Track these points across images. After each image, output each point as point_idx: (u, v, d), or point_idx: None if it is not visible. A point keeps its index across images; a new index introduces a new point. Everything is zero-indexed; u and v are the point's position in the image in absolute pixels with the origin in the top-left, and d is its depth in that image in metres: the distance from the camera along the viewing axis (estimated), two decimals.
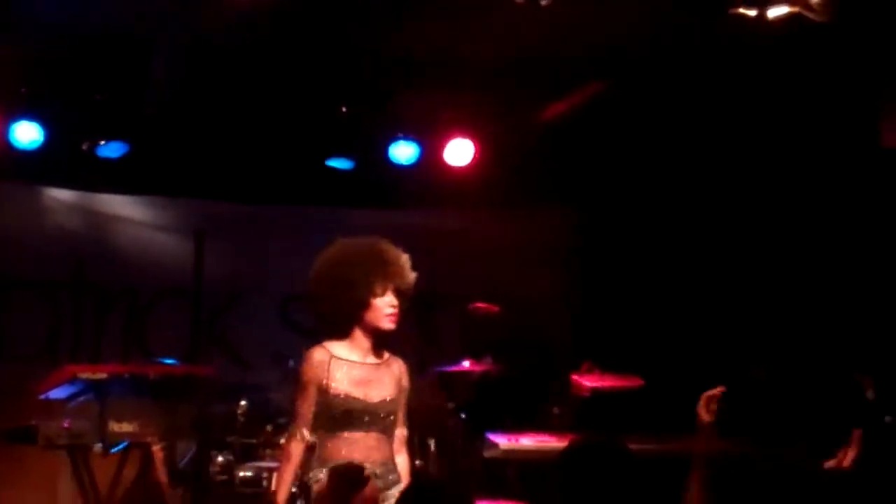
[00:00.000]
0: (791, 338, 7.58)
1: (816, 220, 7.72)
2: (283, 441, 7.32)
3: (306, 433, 5.25)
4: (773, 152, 7.84)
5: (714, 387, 4.59)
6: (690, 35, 6.96)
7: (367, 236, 5.43)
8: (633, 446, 4.30)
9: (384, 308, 5.28)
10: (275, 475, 6.88)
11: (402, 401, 5.41)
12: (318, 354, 5.30)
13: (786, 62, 7.11)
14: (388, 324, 5.29)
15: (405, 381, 5.43)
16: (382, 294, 5.28)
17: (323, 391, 5.23)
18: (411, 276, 5.34)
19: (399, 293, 5.30)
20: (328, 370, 5.27)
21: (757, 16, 6.15)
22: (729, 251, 8.21)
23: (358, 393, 5.25)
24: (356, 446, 5.26)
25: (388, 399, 5.33)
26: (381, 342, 5.35)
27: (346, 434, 5.26)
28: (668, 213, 8.56)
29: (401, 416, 5.41)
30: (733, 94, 7.60)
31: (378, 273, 5.28)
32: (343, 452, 5.25)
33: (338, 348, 5.30)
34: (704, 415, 4.51)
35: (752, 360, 7.42)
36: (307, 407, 5.26)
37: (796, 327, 7.64)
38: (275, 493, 5.31)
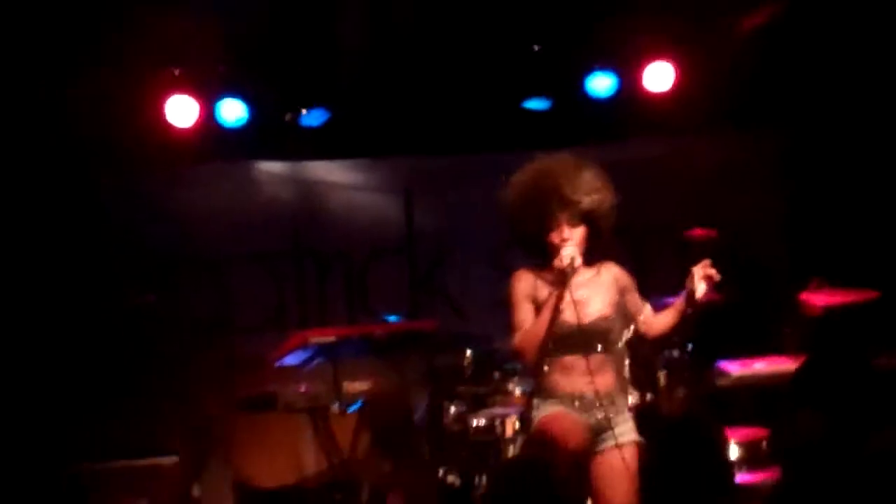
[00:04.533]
0: None
1: None
2: (511, 386, 7.42)
3: None
4: None
5: None
6: None
7: (547, 158, 5.31)
8: (877, 362, 4.10)
9: (555, 241, 5.18)
10: (507, 420, 7.02)
11: (630, 296, 5.33)
12: (523, 274, 5.28)
13: None
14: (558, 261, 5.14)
15: (623, 281, 5.33)
16: (554, 227, 5.18)
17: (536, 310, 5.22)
18: (585, 200, 5.18)
19: (576, 223, 5.18)
20: (536, 289, 5.24)
21: None
22: None
23: (568, 315, 5.19)
24: (575, 373, 5.22)
25: (604, 316, 5.27)
26: (586, 259, 5.21)
27: (565, 359, 5.23)
28: (885, 123, 8.16)
29: (635, 299, 5.33)
30: None
31: (544, 206, 5.17)
32: (562, 384, 5.22)
33: (542, 274, 5.25)
34: None
35: None
36: (526, 317, 5.22)
37: None
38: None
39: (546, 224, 5.19)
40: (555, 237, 5.19)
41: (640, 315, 5.39)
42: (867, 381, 4.93)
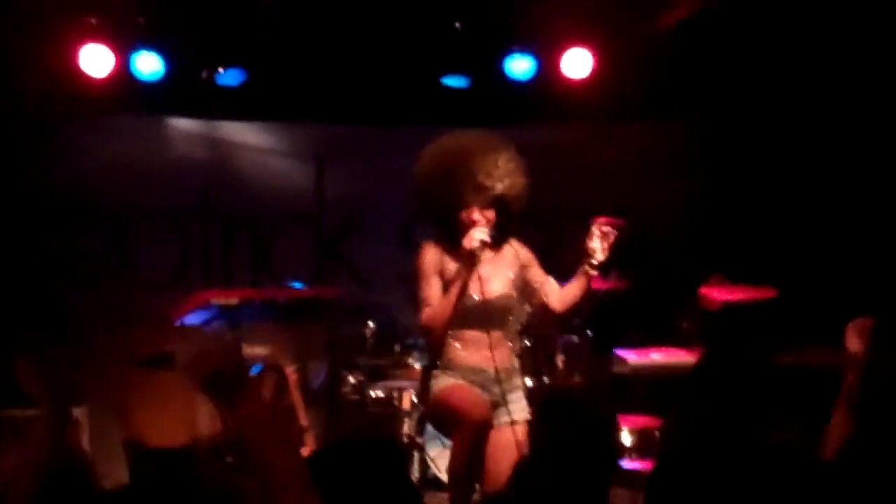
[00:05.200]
0: None
1: None
2: (411, 361, 7.45)
3: None
4: None
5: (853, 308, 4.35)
6: None
7: (464, 134, 5.33)
8: (769, 359, 4.20)
9: (465, 223, 5.21)
10: (404, 393, 7.05)
11: (531, 271, 5.37)
12: (431, 247, 5.29)
13: None
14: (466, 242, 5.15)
15: (524, 256, 5.37)
16: (464, 209, 5.21)
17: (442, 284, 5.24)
18: (497, 186, 5.20)
19: (486, 206, 5.20)
20: (443, 264, 5.26)
21: None
22: (859, 153, 7.96)
23: (472, 291, 5.20)
24: (475, 347, 5.25)
25: (506, 294, 5.29)
26: (493, 239, 5.24)
27: (466, 334, 5.26)
28: (795, 117, 8.30)
29: (537, 273, 5.37)
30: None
31: (456, 187, 5.18)
32: (461, 357, 5.26)
33: (451, 248, 5.26)
34: (854, 345, 3.95)
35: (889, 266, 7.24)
36: (433, 293, 5.23)
37: None
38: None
39: (457, 203, 5.21)
40: (465, 217, 5.22)
41: (544, 287, 5.41)
42: (763, 378, 5.03)
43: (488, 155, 5.24)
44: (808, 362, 6.17)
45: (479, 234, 5.14)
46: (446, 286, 5.24)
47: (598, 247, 5.26)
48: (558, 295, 5.41)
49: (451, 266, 5.25)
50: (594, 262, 5.29)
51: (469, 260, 5.14)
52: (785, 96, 8.29)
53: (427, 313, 5.25)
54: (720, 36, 8.23)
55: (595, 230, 5.28)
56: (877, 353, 3.81)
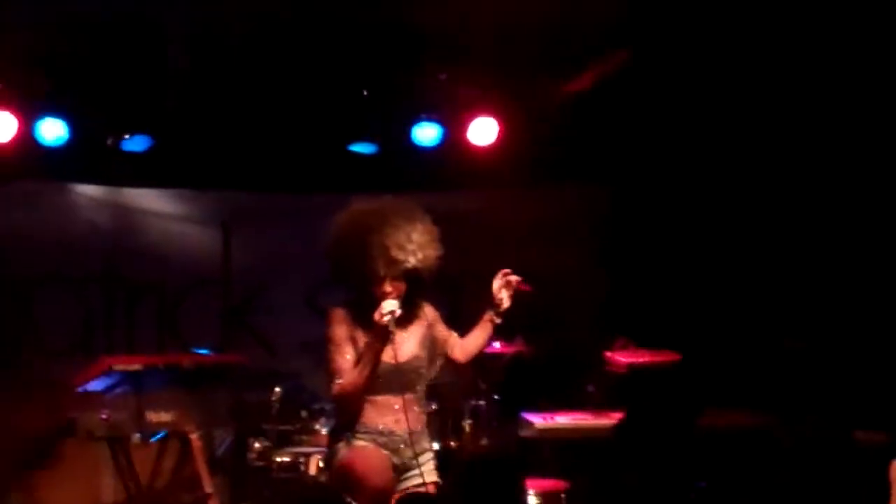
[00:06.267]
0: (827, 309, 7.53)
1: (856, 190, 7.61)
2: (318, 426, 7.41)
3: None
4: (807, 120, 7.74)
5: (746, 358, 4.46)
6: None
7: (379, 203, 5.32)
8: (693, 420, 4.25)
9: (377, 296, 5.17)
10: (311, 459, 7.00)
11: (436, 328, 5.42)
12: (341, 315, 5.25)
13: (818, 26, 7.04)
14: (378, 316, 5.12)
15: (430, 314, 5.41)
16: (376, 281, 5.18)
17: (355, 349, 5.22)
18: (410, 260, 5.18)
19: (398, 278, 5.19)
20: (355, 330, 5.24)
21: None
22: (760, 223, 8.15)
23: (384, 355, 5.18)
24: (385, 410, 5.24)
25: (416, 355, 5.30)
26: (403, 304, 5.22)
27: (377, 398, 5.23)
28: (696, 184, 8.49)
29: (442, 328, 5.45)
30: (764, 61, 7.52)
31: (368, 261, 5.15)
32: (370, 420, 5.23)
33: (360, 313, 5.23)
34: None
35: (786, 331, 7.40)
36: (345, 363, 5.20)
37: (833, 298, 7.57)
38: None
39: (368, 276, 5.19)
40: (376, 291, 5.21)
41: (448, 341, 5.47)
42: (684, 439, 5.10)
43: (401, 228, 5.23)
44: (730, 424, 6.29)
45: (389, 307, 5.13)
46: (358, 354, 5.23)
47: (504, 295, 5.38)
48: (461, 346, 5.49)
49: (361, 333, 5.24)
50: (499, 309, 5.39)
51: (381, 333, 5.14)
52: (685, 164, 8.49)
53: (341, 385, 5.21)
54: (621, 104, 8.42)
55: (500, 278, 5.39)
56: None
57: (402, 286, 5.23)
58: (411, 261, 5.20)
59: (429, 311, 5.44)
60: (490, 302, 5.41)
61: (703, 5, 7.14)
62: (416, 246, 5.23)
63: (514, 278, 5.41)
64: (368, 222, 5.24)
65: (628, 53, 7.83)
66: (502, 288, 5.39)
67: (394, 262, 5.17)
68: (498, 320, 5.44)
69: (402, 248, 5.19)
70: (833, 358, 7.04)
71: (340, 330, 5.23)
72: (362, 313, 5.24)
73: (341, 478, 5.24)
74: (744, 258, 8.21)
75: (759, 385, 7.11)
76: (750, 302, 8.03)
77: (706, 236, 8.43)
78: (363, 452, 5.21)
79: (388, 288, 5.19)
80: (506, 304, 5.40)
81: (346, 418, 5.30)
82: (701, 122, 8.23)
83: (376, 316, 5.11)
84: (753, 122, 7.98)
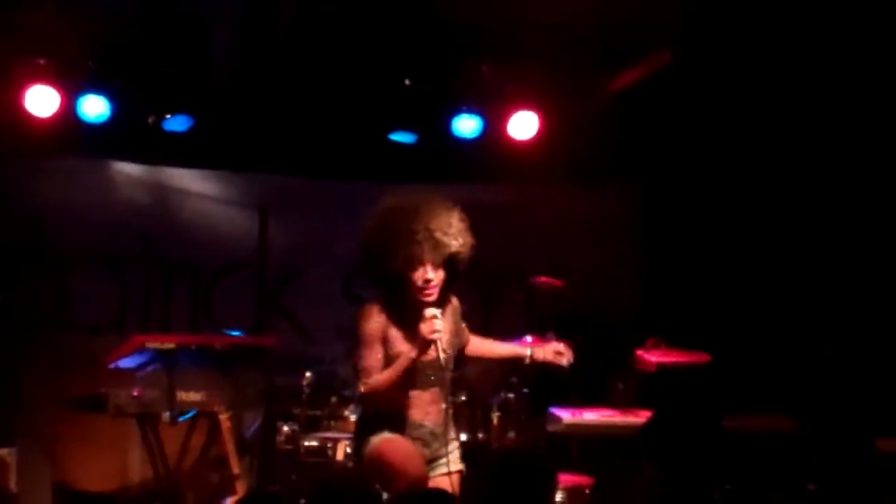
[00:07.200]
0: (865, 313, 7.47)
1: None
2: (347, 413, 7.44)
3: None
4: (851, 121, 7.67)
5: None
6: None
7: (414, 193, 5.37)
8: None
9: (418, 282, 5.21)
10: (339, 444, 7.03)
11: (461, 323, 5.51)
12: (375, 312, 5.27)
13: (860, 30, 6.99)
14: (422, 297, 5.21)
15: (459, 308, 5.50)
16: (418, 267, 5.21)
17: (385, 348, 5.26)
18: (453, 244, 5.25)
19: (439, 264, 5.23)
20: (387, 328, 5.27)
21: None
22: (799, 224, 8.09)
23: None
24: (415, 404, 5.29)
25: (448, 352, 5.31)
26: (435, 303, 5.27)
27: (409, 392, 5.27)
28: (736, 185, 8.44)
29: (462, 322, 5.55)
30: (805, 60, 7.47)
31: (411, 245, 5.18)
32: (405, 412, 5.28)
33: (393, 309, 5.28)
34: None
35: (823, 336, 7.35)
36: (374, 363, 5.24)
37: (871, 302, 7.51)
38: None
39: (410, 262, 5.21)
40: (417, 277, 5.22)
41: (467, 332, 5.59)
42: (712, 441, 5.09)
43: (443, 214, 5.28)
44: (757, 428, 6.27)
45: (439, 325, 5.15)
46: (387, 354, 5.24)
47: (544, 357, 5.67)
48: (477, 346, 5.66)
49: (395, 332, 5.26)
50: (535, 362, 5.69)
51: (425, 346, 5.17)
52: (728, 164, 8.44)
53: (369, 385, 5.22)
54: (665, 101, 8.38)
55: (552, 351, 5.66)
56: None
57: (442, 274, 5.24)
58: (454, 244, 5.25)
59: (457, 304, 5.48)
60: (554, 353, 5.65)
61: (746, 8, 7.08)
62: (456, 231, 5.28)
63: (565, 348, 5.67)
64: (412, 209, 5.27)
65: (670, 54, 7.80)
66: (548, 355, 5.65)
67: (439, 245, 5.21)
68: (526, 363, 5.67)
69: (445, 232, 5.24)
70: (866, 364, 7.00)
71: (373, 329, 5.26)
72: (396, 309, 5.26)
73: (376, 467, 5.25)
74: (782, 260, 8.16)
75: (794, 390, 7.08)
76: (787, 304, 7.98)
77: (746, 237, 8.38)
78: (399, 444, 5.25)
79: (430, 274, 5.20)
80: (565, 364, 5.68)
81: (373, 410, 5.33)
82: (743, 122, 8.18)
83: (425, 329, 5.13)
84: (795, 123, 7.93)
